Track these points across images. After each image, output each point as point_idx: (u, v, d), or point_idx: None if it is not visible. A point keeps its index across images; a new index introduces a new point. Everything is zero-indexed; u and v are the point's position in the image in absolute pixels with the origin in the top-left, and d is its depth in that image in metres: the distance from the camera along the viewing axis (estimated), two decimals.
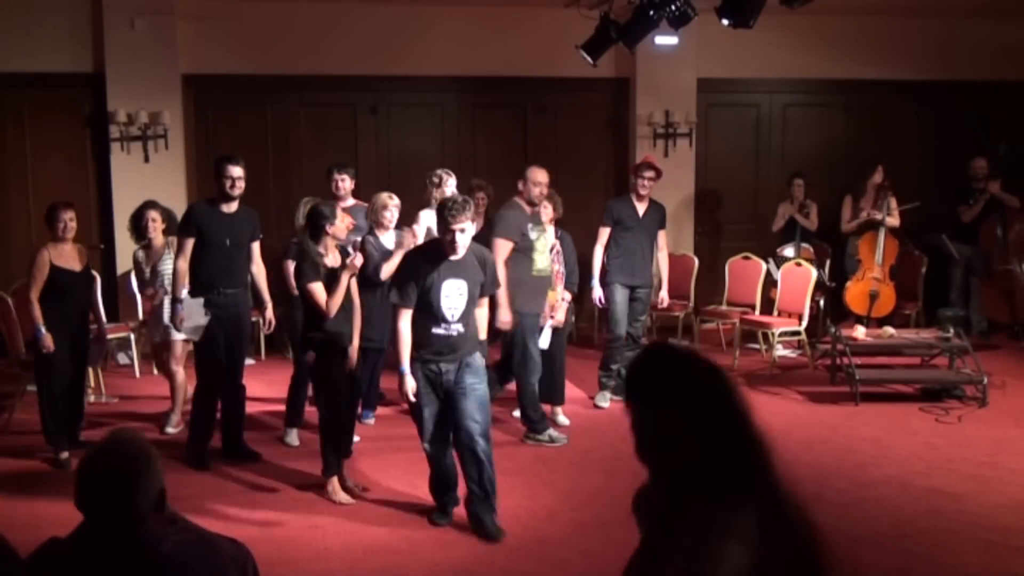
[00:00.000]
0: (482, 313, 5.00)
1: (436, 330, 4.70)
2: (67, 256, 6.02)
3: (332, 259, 5.30)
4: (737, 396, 1.88)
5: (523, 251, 6.21)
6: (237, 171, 5.79)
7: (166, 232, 6.77)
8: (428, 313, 4.69)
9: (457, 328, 4.73)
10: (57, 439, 5.95)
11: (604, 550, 4.55)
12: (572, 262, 6.72)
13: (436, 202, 6.86)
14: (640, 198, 7.21)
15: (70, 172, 8.98)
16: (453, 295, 4.70)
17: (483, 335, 5.01)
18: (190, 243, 5.80)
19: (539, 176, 6.29)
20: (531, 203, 6.32)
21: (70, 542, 2.17)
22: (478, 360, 4.83)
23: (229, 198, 5.83)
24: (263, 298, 6.27)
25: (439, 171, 7.04)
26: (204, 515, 4.91)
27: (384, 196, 6.45)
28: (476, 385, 4.74)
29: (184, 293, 5.90)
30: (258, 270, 6.20)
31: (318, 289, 5.14)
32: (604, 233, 7.20)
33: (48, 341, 5.84)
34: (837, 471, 5.65)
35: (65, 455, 5.90)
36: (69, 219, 6.02)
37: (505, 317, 6.09)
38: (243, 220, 5.96)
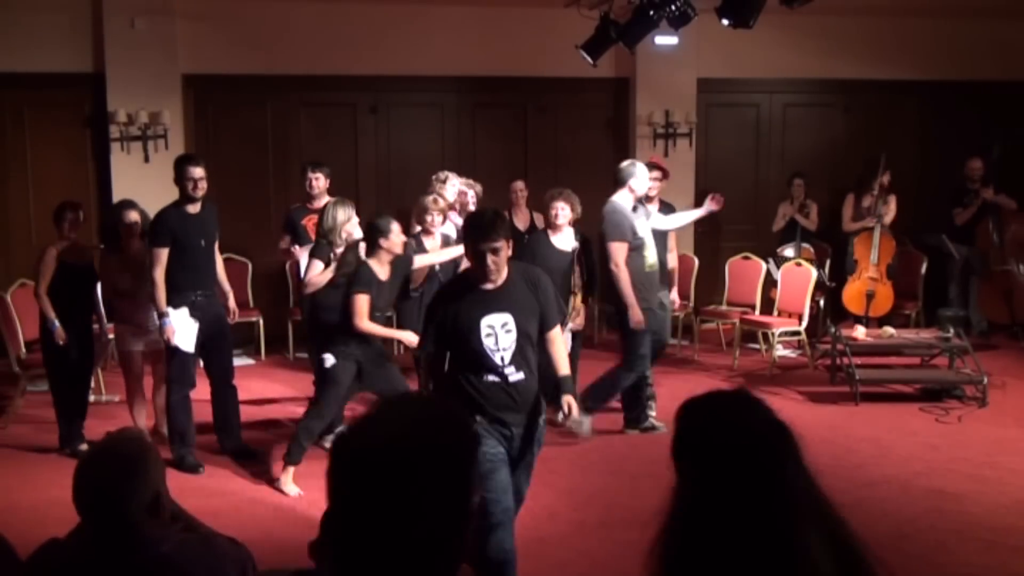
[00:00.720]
0: (558, 349, 4.09)
1: (490, 377, 3.80)
2: (74, 254, 6.07)
3: (384, 272, 5.34)
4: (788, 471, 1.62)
5: (636, 249, 6.22)
6: (199, 172, 5.71)
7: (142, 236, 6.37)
8: (472, 360, 3.80)
9: (514, 375, 3.81)
10: (75, 436, 6.00)
11: (604, 550, 4.55)
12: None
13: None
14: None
15: (70, 172, 8.98)
16: (498, 333, 3.81)
17: (564, 370, 4.09)
18: (166, 252, 5.64)
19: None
20: (640, 200, 6.37)
21: (69, 542, 2.17)
22: (543, 426, 4.04)
23: (193, 200, 5.74)
24: (224, 288, 6.23)
25: (443, 172, 7.06)
26: (203, 515, 4.91)
27: (428, 200, 6.47)
28: (534, 460, 4.05)
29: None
30: (219, 263, 6.17)
31: (364, 302, 5.13)
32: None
33: (63, 332, 5.91)
34: (837, 471, 5.64)
35: (84, 446, 5.91)
36: (75, 218, 6.05)
37: (637, 317, 6.12)
38: (209, 219, 5.90)
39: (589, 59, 7.35)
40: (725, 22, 6.14)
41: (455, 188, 7.00)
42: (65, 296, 5.99)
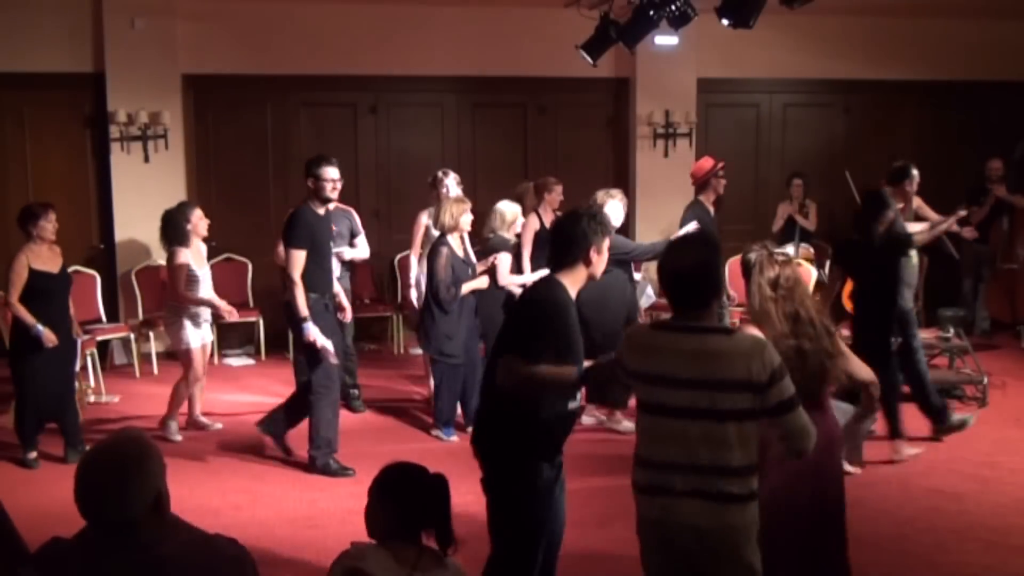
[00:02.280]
0: None
1: (572, 405, 3.37)
2: (44, 258, 5.91)
3: None
4: None
5: None
6: (336, 172, 5.65)
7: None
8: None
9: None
10: (30, 440, 5.94)
11: (604, 550, 4.55)
12: None
13: (443, 202, 6.82)
14: (714, 201, 7.07)
15: (70, 172, 8.97)
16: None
17: None
18: (305, 254, 5.50)
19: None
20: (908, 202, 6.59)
21: (73, 542, 2.17)
22: None
23: (328, 201, 5.69)
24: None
25: (439, 171, 7.02)
26: (203, 515, 4.91)
27: (460, 201, 6.48)
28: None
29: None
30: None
31: None
32: None
33: (51, 335, 5.79)
34: (837, 471, 5.64)
35: (33, 455, 5.93)
36: (48, 221, 5.89)
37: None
38: (337, 219, 5.86)
39: (589, 59, 7.35)
40: (725, 22, 6.13)
41: (445, 189, 6.92)
42: (39, 304, 5.82)
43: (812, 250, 9.20)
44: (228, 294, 8.94)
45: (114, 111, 8.60)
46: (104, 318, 8.44)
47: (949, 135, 10.08)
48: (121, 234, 8.71)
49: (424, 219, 6.92)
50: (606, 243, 3.41)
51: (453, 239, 6.27)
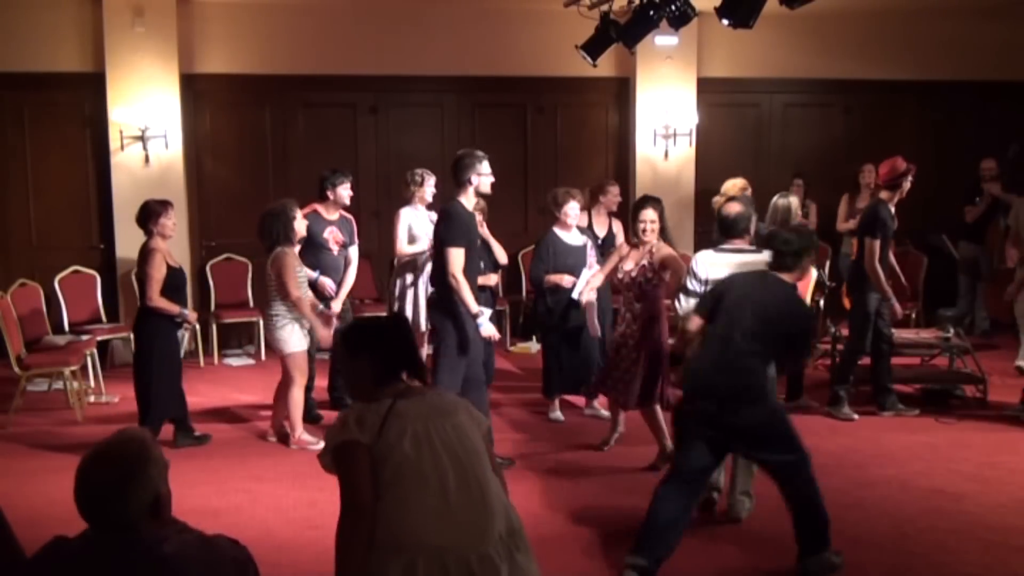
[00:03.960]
0: None
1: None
2: (167, 255, 5.98)
3: None
4: None
5: None
6: (489, 167, 5.57)
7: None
8: None
9: None
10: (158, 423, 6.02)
11: (605, 550, 4.55)
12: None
13: (418, 201, 6.87)
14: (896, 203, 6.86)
15: (70, 172, 8.98)
16: None
17: None
18: (463, 253, 5.34)
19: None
20: None
21: (74, 542, 2.17)
22: None
23: (480, 195, 5.63)
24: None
25: (419, 170, 7.02)
26: (203, 515, 4.91)
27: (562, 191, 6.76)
28: None
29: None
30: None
31: None
32: (877, 247, 6.76)
33: (193, 314, 6.06)
34: (837, 471, 5.64)
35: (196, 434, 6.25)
36: (168, 219, 5.94)
37: None
38: (474, 218, 5.77)
39: (589, 59, 7.34)
40: (725, 22, 6.12)
41: (432, 189, 6.98)
42: (171, 297, 5.90)
43: None
44: (228, 294, 9.00)
45: (114, 111, 8.61)
46: (104, 318, 8.47)
47: (949, 135, 10.08)
48: (121, 234, 8.71)
49: (403, 216, 6.91)
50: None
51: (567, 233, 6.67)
